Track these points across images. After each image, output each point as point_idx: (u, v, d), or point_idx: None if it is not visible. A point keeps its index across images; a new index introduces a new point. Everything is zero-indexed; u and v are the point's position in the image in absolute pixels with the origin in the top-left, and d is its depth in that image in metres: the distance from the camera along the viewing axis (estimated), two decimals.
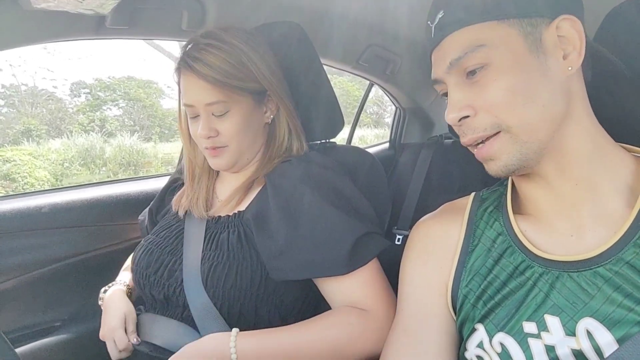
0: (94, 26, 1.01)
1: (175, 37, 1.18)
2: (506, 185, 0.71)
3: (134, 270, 0.93)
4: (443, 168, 1.89)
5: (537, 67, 0.57)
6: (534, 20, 0.57)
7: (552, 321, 0.56)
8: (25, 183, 5.99)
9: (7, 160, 6.14)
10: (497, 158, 0.59)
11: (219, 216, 0.90)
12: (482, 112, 0.58)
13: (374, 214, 0.89)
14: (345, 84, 9.55)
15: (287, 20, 1.01)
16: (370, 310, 0.79)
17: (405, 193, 1.97)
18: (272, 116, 0.92)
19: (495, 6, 0.57)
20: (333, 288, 0.83)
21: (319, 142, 1.04)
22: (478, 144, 0.60)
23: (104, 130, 7.93)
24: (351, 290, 0.81)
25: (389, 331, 0.73)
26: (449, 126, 1.56)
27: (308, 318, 0.87)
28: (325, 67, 1.71)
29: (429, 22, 0.63)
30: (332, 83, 1.02)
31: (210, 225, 0.90)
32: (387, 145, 2.21)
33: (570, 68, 0.58)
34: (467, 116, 0.59)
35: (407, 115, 2.16)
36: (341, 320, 0.78)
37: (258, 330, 0.76)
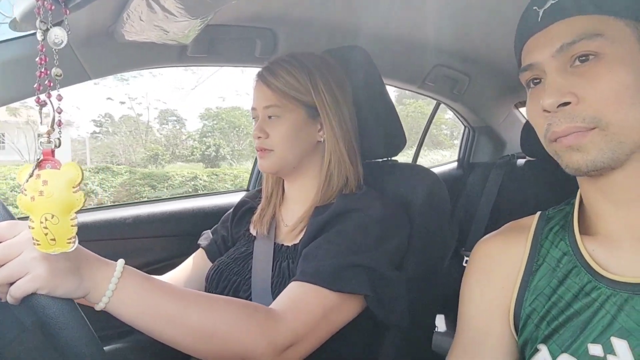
0: (177, 55, 1.13)
1: (250, 63, 1.27)
2: (573, 204, 0.68)
3: (207, 288, 0.98)
4: (515, 189, 1.82)
5: None
6: None
7: (620, 344, 0.54)
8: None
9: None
10: (586, 151, 0.56)
11: (282, 244, 0.95)
12: (584, 103, 0.56)
13: (390, 260, 0.85)
14: (421, 107, 9.63)
15: (352, 45, 1.05)
16: (280, 312, 0.73)
17: (474, 214, 1.91)
18: (324, 135, 0.95)
19: (615, 2, 0.57)
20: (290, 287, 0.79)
21: (380, 160, 1.06)
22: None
23: (218, 154, 8.64)
24: (295, 295, 0.77)
25: (274, 337, 0.69)
26: (522, 144, 1.51)
27: (366, 343, 0.89)
28: (400, 90, 1.71)
29: (535, 7, 0.62)
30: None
31: (276, 250, 0.94)
32: (455, 164, 2.18)
33: None
34: (567, 103, 0.57)
35: (477, 134, 2.12)
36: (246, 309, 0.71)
37: (147, 277, 0.68)
